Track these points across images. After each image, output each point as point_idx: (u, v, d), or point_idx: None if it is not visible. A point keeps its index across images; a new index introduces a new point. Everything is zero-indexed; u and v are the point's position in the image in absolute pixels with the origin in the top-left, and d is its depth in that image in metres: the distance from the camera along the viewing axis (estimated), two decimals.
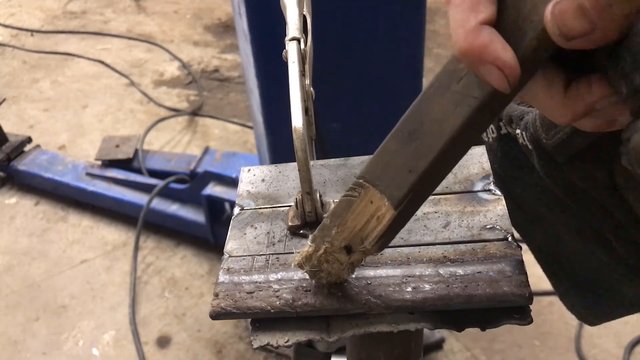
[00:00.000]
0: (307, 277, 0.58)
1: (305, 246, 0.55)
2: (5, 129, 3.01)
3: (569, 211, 0.60)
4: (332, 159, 0.74)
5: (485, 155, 0.70)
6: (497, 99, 0.43)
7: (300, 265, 0.56)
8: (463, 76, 0.44)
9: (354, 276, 0.57)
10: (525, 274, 0.55)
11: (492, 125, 0.65)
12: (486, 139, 0.67)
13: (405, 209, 0.49)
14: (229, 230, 0.67)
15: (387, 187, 0.49)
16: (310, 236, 0.55)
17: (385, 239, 0.51)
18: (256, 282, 0.60)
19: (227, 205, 2.43)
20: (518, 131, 0.59)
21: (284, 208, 0.69)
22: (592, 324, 0.68)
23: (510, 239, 0.60)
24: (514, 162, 0.64)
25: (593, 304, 0.66)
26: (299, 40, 0.61)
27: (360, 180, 0.51)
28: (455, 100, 0.45)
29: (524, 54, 0.39)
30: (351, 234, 0.52)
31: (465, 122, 0.44)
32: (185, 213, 2.53)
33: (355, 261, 0.54)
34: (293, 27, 0.62)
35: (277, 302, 0.57)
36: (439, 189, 0.67)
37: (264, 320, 0.58)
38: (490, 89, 0.42)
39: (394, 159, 0.49)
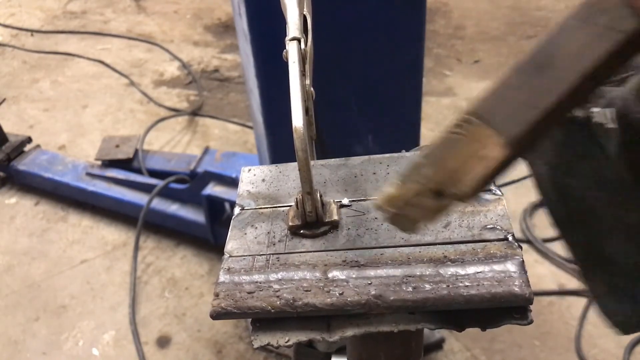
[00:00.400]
0: (307, 276, 0.58)
1: (391, 185, 0.50)
2: (5, 129, 3.01)
3: (629, 203, 0.57)
4: (333, 159, 0.74)
5: None
6: None
7: (380, 206, 0.51)
8: (609, 9, 0.42)
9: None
10: (526, 274, 0.55)
11: None
12: None
13: (518, 150, 0.45)
14: (230, 230, 0.67)
15: (502, 123, 0.44)
16: (399, 176, 0.50)
17: (484, 183, 0.46)
18: (257, 282, 0.60)
19: (227, 205, 2.43)
20: (596, 109, 0.55)
21: (285, 208, 0.69)
22: (627, 331, 0.66)
23: (510, 238, 0.60)
24: (573, 149, 0.60)
25: (630, 310, 0.64)
26: (299, 40, 0.61)
27: (469, 117, 0.46)
28: (597, 33, 0.42)
29: None
30: (447, 175, 0.47)
31: (606, 57, 0.41)
32: (185, 213, 2.53)
33: (442, 207, 0.49)
34: (293, 27, 0.62)
35: (278, 302, 0.57)
36: None
37: (264, 320, 0.58)
38: None
39: (515, 93, 0.45)
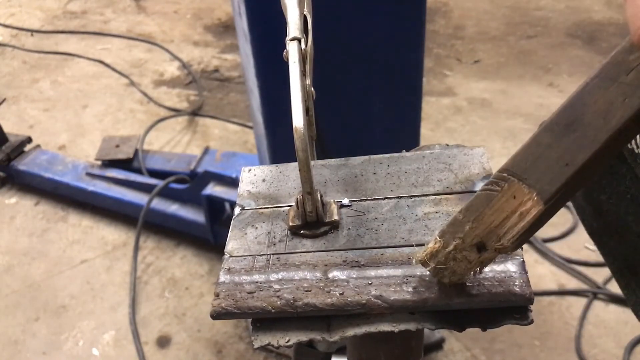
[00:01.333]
0: (307, 276, 0.58)
1: (432, 241, 0.53)
2: (5, 129, 3.01)
3: None
4: (333, 159, 0.74)
5: (486, 155, 0.70)
6: None
7: (424, 262, 0.54)
8: (634, 68, 0.43)
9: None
10: (526, 274, 0.55)
11: None
12: None
13: (555, 205, 0.47)
14: (230, 230, 0.67)
15: (537, 181, 0.47)
16: (439, 231, 0.53)
17: (525, 237, 0.49)
18: (257, 282, 0.60)
19: (227, 205, 2.43)
20: None
21: (285, 208, 0.69)
22: None
23: None
24: (607, 168, 0.62)
25: None
26: (299, 40, 0.61)
27: (504, 174, 0.49)
28: (624, 92, 0.43)
29: None
30: (486, 231, 0.50)
31: (635, 114, 0.43)
32: (185, 213, 2.53)
33: (485, 260, 0.52)
34: (294, 27, 0.62)
35: (278, 302, 0.57)
36: (439, 189, 0.67)
37: (264, 320, 0.58)
38: None
39: (547, 152, 0.47)
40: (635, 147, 0.56)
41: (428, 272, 0.55)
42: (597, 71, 0.45)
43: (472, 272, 0.53)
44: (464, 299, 0.54)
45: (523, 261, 0.57)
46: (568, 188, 0.46)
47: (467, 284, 0.55)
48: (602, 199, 0.64)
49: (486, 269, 0.56)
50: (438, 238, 0.53)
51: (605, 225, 0.65)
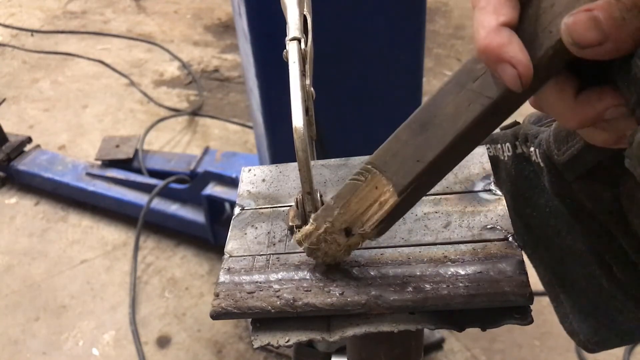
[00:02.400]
0: (307, 276, 0.58)
1: (307, 224, 0.57)
2: (5, 129, 3.01)
3: (574, 233, 0.60)
4: (333, 159, 0.74)
5: (486, 155, 0.70)
6: (509, 100, 0.45)
7: (299, 242, 0.57)
8: (480, 76, 0.46)
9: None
10: (526, 274, 0.55)
11: (508, 144, 0.67)
12: (502, 158, 0.69)
13: (408, 197, 0.51)
14: (230, 230, 0.67)
15: (394, 174, 0.51)
16: (313, 215, 0.57)
17: (384, 225, 0.53)
18: (257, 282, 0.60)
19: (227, 205, 2.43)
20: (532, 149, 0.61)
21: (285, 208, 0.69)
22: (590, 350, 0.68)
23: (510, 239, 0.60)
24: (526, 182, 0.65)
25: (593, 330, 0.66)
26: (299, 40, 0.61)
27: (369, 166, 0.53)
28: (469, 98, 0.47)
29: (540, 61, 0.41)
30: (352, 217, 0.54)
31: (477, 119, 0.46)
32: (185, 213, 2.53)
33: (352, 244, 0.55)
34: (293, 27, 0.62)
35: (278, 302, 0.57)
36: (439, 188, 0.67)
37: (264, 320, 0.58)
38: (504, 89, 0.44)
39: (404, 148, 0.51)
40: (538, 160, 0.60)
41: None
42: (451, 77, 0.49)
43: (343, 254, 0.57)
44: (464, 298, 0.54)
45: (522, 261, 0.57)
46: (420, 183, 0.50)
47: (467, 284, 0.55)
48: (527, 212, 0.67)
49: (486, 269, 0.56)
50: (312, 221, 0.56)
51: (533, 238, 0.68)
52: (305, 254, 0.59)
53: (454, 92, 0.48)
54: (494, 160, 0.69)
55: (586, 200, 0.55)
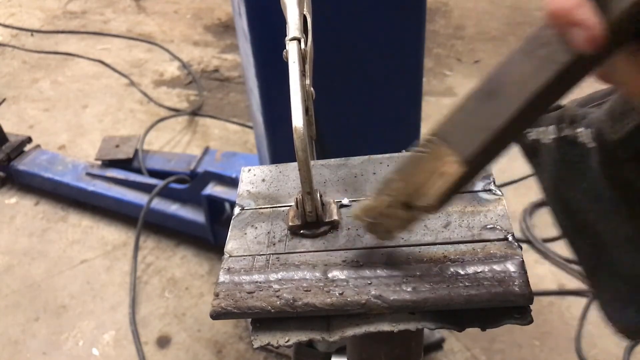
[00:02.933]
0: (307, 276, 0.58)
1: (368, 198, 0.56)
2: (5, 129, 3.00)
3: (620, 216, 0.59)
4: (333, 159, 0.74)
5: None
6: (579, 66, 0.44)
7: (357, 216, 0.57)
8: (549, 42, 0.45)
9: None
10: (526, 274, 0.55)
11: (552, 127, 0.66)
12: (544, 141, 0.67)
13: (472, 167, 0.50)
14: (230, 230, 0.67)
15: (458, 143, 0.50)
16: (375, 189, 0.56)
17: (446, 197, 0.51)
18: (256, 282, 0.60)
19: (227, 205, 2.43)
20: (580, 129, 0.60)
21: (285, 208, 0.69)
22: (632, 338, 0.67)
23: (510, 238, 0.60)
24: (570, 165, 0.64)
25: (635, 317, 0.65)
26: (299, 40, 0.61)
27: (431, 137, 0.51)
28: (538, 64, 0.46)
29: (613, 25, 0.40)
30: (414, 189, 0.52)
31: (545, 86, 0.45)
32: (185, 213, 2.53)
33: (412, 218, 0.54)
34: (293, 27, 0.62)
35: (278, 302, 0.57)
36: None
37: (264, 320, 0.58)
38: (574, 54, 0.43)
39: (469, 117, 0.50)
40: (588, 141, 0.58)
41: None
42: (519, 45, 0.48)
43: (401, 229, 0.56)
44: (464, 298, 0.54)
45: (523, 261, 0.57)
46: (486, 151, 0.49)
47: (467, 284, 0.55)
48: (570, 197, 0.65)
49: (486, 269, 0.56)
50: (373, 195, 0.56)
51: (574, 224, 0.66)
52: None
53: (521, 60, 0.47)
54: (533, 144, 0.68)
55: (637, 180, 0.54)
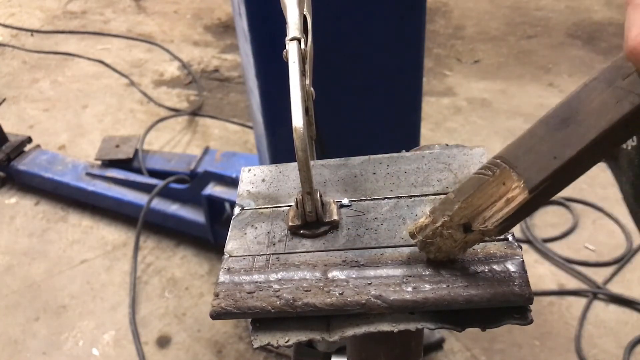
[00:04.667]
0: (307, 276, 0.58)
1: (423, 216, 0.55)
2: (5, 129, 3.01)
3: None
4: (333, 159, 0.74)
5: (486, 155, 0.70)
6: None
7: (412, 234, 0.56)
8: (630, 74, 0.45)
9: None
10: (526, 274, 0.55)
11: None
12: (624, 147, 0.67)
13: (539, 195, 0.48)
14: (230, 230, 0.67)
15: (526, 170, 0.49)
16: (430, 207, 0.55)
17: (508, 223, 0.50)
18: (256, 282, 0.60)
19: (227, 205, 2.43)
20: None
21: (285, 208, 0.69)
22: None
23: (510, 238, 0.59)
24: None
25: None
26: (299, 40, 0.61)
27: (498, 161, 0.51)
28: (617, 95, 0.45)
29: None
30: (474, 212, 0.52)
31: (625, 117, 0.44)
32: (185, 213, 2.53)
33: (470, 241, 0.53)
34: (293, 27, 0.62)
35: (278, 302, 0.57)
36: (439, 189, 0.67)
37: (264, 320, 0.58)
38: None
39: (539, 143, 0.49)
40: None
41: (423, 266, 0.57)
42: (598, 73, 0.47)
43: (457, 251, 0.55)
44: (464, 298, 0.54)
45: (523, 261, 0.57)
46: (554, 180, 0.48)
47: (467, 284, 0.55)
48: None
49: (486, 269, 0.56)
50: (429, 213, 0.55)
51: None
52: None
53: (600, 89, 0.46)
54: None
55: None
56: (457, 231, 0.53)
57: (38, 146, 3.08)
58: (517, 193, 0.49)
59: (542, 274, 2.37)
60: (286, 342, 0.57)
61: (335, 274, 0.59)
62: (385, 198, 0.67)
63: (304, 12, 0.66)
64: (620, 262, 2.38)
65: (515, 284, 0.54)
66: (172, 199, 2.58)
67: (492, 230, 0.51)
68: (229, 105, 3.57)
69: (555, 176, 0.47)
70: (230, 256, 0.64)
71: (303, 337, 0.57)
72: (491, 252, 0.58)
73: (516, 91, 3.50)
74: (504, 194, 0.50)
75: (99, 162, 2.83)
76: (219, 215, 2.45)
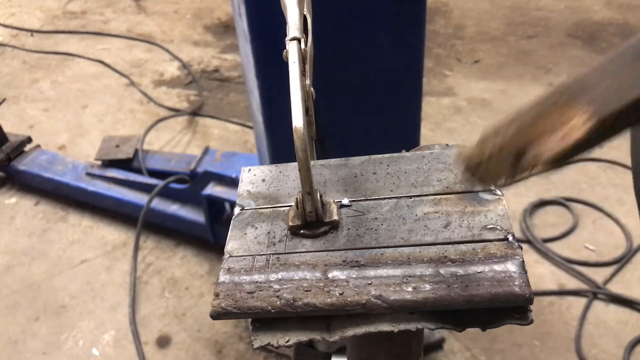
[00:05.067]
0: (307, 276, 0.58)
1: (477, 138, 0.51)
2: (5, 129, 3.00)
3: None
4: (333, 159, 0.74)
5: None
6: None
7: (460, 154, 0.52)
8: None
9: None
10: (526, 274, 0.55)
11: None
12: None
13: (605, 129, 0.45)
14: (230, 230, 0.67)
15: (595, 100, 0.45)
16: (484, 129, 0.51)
17: (564, 156, 0.47)
18: (257, 282, 0.60)
19: (227, 205, 2.43)
20: None
21: (285, 208, 0.69)
22: None
23: (510, 238, 0.59)
24: None
25: None
26: (299, 40, 0.61)
27: (563, 88, 0.48)
28: None
29: None
30: (531, 139, 0.48)
31: None
32: (185, 213, 2.53)
33: (521, 169, 0.49)
34: (293, 27, 0.62)
35: (278, 302, 0.57)
36: (439, 189, 0.67)
37: (264, 320, 0.58)
38: None
39: (611, 76, 0.46)
40: None
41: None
42: None
43: (504, 179, 0.50)
44: (464, 298, 0.54)
45: (523, 261, 0.57)
46: (624, 115, 0.45)
47: (467, 284, 0.55)
48: None
49: (486, 269, 0.56)
50: (480, 139, 0.51)
51: None
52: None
53: None
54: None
55: None
56: (510, 156, 0.49)
57: (38, 146, 3.08)
58: (581, 123, 0.45)
59: (542, 274, 2.37)
60: (286, 342, 0.57)
61: (335, 274, 0.59)
62: (385, 198, 0.67)
63: (304, 12, 0.66)
64: (620, 262, 2.38)
65: (516, 284, 0.54)
66: (172, 199, 2.58)
67: (546, 163, 0.47)
68: (229, 105, 3.57)
69: (623, 111, 0.44)
70: (231, 256, 0.64)
71: (303, 337, 0.57)
72: (491, 252, 0.58)
73: (516, 91, 3.50)
74: (566, 124, 0.46)
75: (99, 162, 2.83)
76: (219, 215, 2.45)
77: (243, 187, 0.73)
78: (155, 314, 2.34)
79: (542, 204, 2.66)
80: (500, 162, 0.49)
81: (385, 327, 0.56)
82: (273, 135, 1.69)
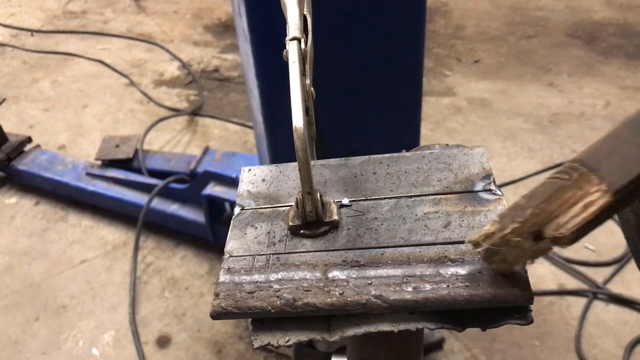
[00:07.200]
0: (307, 276, 0.58)
1: (490, 223, 0.52)
2: (5, 129, 3.01)
3: None
4: (333, 159, 0.74)
5: (486, 155, 0.70)
6: None
7: (476, 243, 0.53)
8: None
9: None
10: (526, 274, 0.55)
11: None
12: None
13: (621, 200, 0.46)
14: (230, 230, 0.67)
15: (609, 173, 0.46)
16: (499, 214, 0.52)
17: (585, 229, 0.47)
18: (257, 282, 0.60)
19: (227, 205, 2.43)
20: None
21: (285, 208, 0.69)
22: None
23: None
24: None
25: None
26: (299, 40, 0.61)
27: (576, 164, 0.48)
28: None
29: None
30: (547, 219, 0.48)
31: None
32: (185, 213, 2.53)
33: (540, 250, 0.50)
34: (293, 27, 0.62)
35: (278, 302, 0.57)
36: (439, 189, 0.67)
37: (264, 320, 0.58)
38: None
39: (624, 146, 0.46)
40: None
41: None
42: None
43: (524, 262, 0.51)
44: (464, 298, 0.54)
45: None
46: (637, 185, 0.45)
47: (467, 284, 0.55)
48: None
49: (486, 269, 0.56)
50: (496, 219, 0.51)
51: None
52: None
53: None
54: None
55: None
56: (527, 239, 0.50)
57: (38, 146, 3.08)
58: (598, 197, 0.46)
59: (542, 274, 2.37)
60: (286, 342, 0.57)
61: (335, 274, 0.59)
62: (385, 198, 0.67)
63: (304, 12, 0.66)
64: (620, 262, 2.38)
65: (516, 284, 0.54)
66: (172, 199, 2.58)
67: (568, 237, 0.47)
68: (229, 105, 3.57)
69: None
70: (231, 256, 0.64)
71: (303, 337, 0.57)
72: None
73: (516, 91, 3.50)
74: (581, 199, 0.47)
75: (99, 162, 2.83)
76: (219, 215, 2.45)
77: (243, 187, 0.73)
78: (155, 314, 2.34)
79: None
80: (518, 243, 0.50)
81: (385, 327, 0.55)
82: (273, 135, 1.69)
